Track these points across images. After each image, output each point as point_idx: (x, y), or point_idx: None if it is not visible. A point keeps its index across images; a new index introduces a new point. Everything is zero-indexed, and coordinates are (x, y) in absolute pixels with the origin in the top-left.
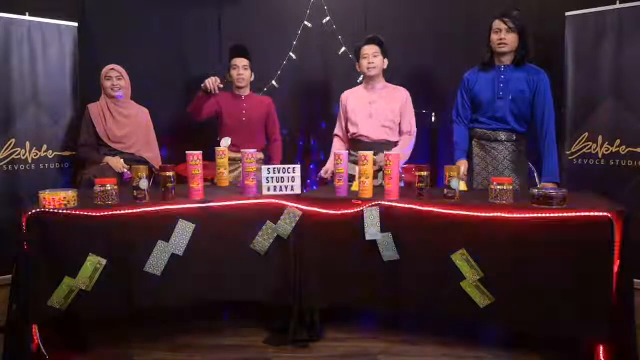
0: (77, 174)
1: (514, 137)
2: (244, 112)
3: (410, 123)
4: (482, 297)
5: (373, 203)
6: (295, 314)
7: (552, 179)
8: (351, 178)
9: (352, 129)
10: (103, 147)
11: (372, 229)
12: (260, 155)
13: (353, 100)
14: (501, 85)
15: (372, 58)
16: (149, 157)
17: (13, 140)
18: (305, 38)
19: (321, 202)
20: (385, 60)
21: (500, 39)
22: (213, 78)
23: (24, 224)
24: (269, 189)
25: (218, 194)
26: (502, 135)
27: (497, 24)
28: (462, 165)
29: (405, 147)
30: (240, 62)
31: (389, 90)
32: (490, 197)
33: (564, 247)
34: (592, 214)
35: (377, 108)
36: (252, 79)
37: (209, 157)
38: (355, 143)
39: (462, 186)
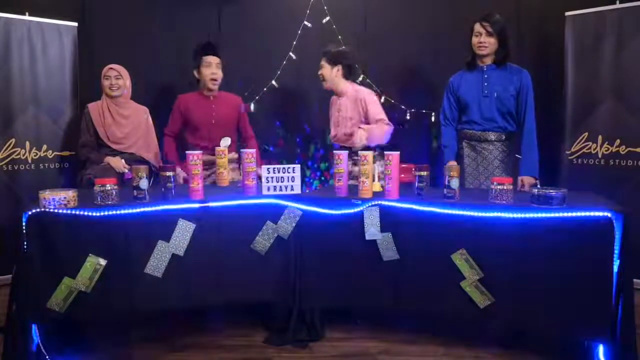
0: (77, 174)
1: (504, 137)
2: (213, 113)
3: (376, 112)
4: (482, 297)
5: (373, 203)
6: (295, 314)
7: (531, 173)
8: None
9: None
10: (103, 148)
11: (372, 229)
12: (234, 155)
13: (332, 106)
14: (485, 84)
15: (321, 70)
16: (149, 157)
17: (13, 140)
18: (305, 38)
19: (321, 202)
20: (335, 68)
21: (480, 42)
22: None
23: (24, 224)
24: (269, 189)
25: (218, 194)
26: (492, 136)
27: (478, 27)
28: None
29: (378, 129)
30: (214, 60)
31: (350, 95)
32: (490, 197)
33: (564, 247)
34: (592, 214)
35: (344, 116)
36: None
37: None
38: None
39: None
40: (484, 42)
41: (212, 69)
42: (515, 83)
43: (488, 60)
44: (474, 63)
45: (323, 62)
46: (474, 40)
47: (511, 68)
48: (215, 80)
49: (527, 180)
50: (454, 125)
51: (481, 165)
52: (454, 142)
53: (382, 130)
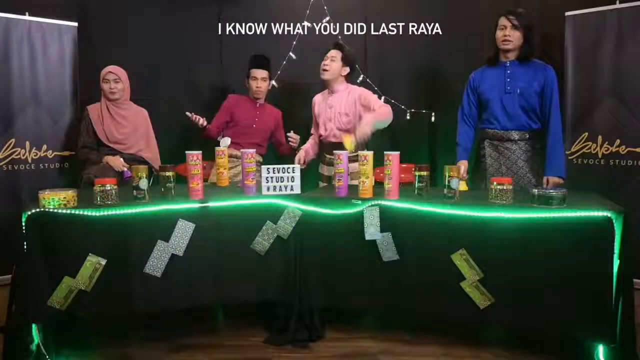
0: (77, 174)
1: (527, 136)
2: (256, 119)
3: (377, 102)
4: (482, 297)
5: (373, 203)
6: (295, 314)
7: (557, 174)
8: (326, 179)
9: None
10: (103, 148)
11: (372, 229)
12: (259, 158)
13: (317, 104)
14: (508, 80)
15: (328, 62)
16: (149, 157)
17: (13, 140)
18: (305, 38)
19: (321, 202)
20: (345, 68)
21: (505, 35)
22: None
23: (24, 224)
24: (269, 189)
25: (218, 194)
26: (515, 135)
27: (503, 21)
28: (462, 165)
29: (384, 107)
30: (260, 74)
31: (344, 93)
32: (490, 197)
33: (564, 247)
34: (592, 214)
35: (337, 111)
36: (269, 88)
37: (208, 157)
38: (325, 146)
39: (462, 186)
40: (509, 35)
41: (257, 82)
42: (539, 79)
43: (511, 56)
44: (496, 58)
45: (334, 54)
46: (499, 34)
47: (535, 64)
48: (258, 92)
49: (553, 180)
50: (471, 124)
51: (504, 166)
52: (469, 141)
53: (387, 108)
